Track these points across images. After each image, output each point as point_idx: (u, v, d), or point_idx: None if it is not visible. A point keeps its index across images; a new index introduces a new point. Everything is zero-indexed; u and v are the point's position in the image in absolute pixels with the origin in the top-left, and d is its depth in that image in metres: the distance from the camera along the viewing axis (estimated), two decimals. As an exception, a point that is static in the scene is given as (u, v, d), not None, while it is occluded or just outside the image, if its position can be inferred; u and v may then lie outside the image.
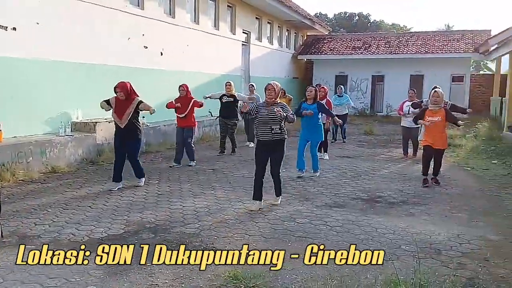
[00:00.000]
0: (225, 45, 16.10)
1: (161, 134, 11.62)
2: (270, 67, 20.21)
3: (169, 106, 9.33)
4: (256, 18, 19.09)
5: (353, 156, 10.81)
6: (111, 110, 7.18)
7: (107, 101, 7.20)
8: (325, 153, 10.36)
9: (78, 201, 6.33)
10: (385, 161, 10.21)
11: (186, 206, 6.14)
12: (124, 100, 7.07)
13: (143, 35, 11.63)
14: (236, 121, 10.97)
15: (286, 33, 23.22)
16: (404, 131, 10.87)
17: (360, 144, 13.07)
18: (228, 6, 16.38)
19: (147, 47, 11.80)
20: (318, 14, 53.30)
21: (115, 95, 7.10)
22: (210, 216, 5.67)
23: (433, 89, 7.97)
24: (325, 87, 10.79)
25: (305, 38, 26.25)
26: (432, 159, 7.82)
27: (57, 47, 9.09)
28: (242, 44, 17.81)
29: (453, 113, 8.04)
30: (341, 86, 14.03)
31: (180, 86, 9.38)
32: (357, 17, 57.82)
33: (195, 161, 9.41)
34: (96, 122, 9.39)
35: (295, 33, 24.51)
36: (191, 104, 9.16)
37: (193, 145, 9.43)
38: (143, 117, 11.08)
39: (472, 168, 9.31)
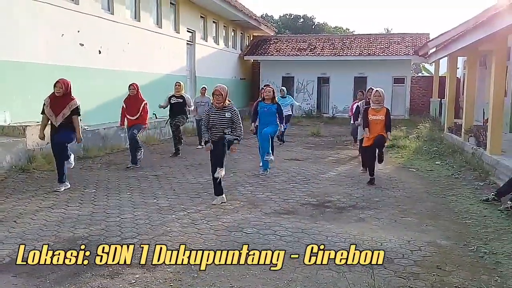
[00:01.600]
0: (169, 44, 15.54)
1: (101, 137, 10.94)
2: (216, 67, 19.82)
3: (122, 115, 9.25)
4: (201, 16, 18.63)
5: (301, 159, 10.66)
6: (47, 107, 6.83)
7: (43, 110, 6.97)
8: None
9: (2, 213, 5.67)
10: (333, 163, 10.13)
11: (125, 218, 5.66)
12: (61, 97, 6.82)
13: (79, 31, 10.90)
14: (185, 117, 10.65)
15: (232, 33, 22.91)
16: (353, 129, 11.15)
17: (307, 146, 12.98)
18: (171, 3, 15.82)
19: (83, 45, 11.07)
20: (264, 15, 53.44)
21: (53, 90, 6.85)
22: (150, 229, 5.23)
23: (369, 89, 8.21)
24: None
25: (251, 38, 26.07)
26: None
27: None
28: (187, 44, 17.31)
29: None
30: (283, 88, 13.86)
31: (130, 85, 9.16)
32: (302, 19, 58.53)
33: (141, 152, 9.10)
34: (27, 126, 8.62)
35: (241, 33, 24.26)
36: (142, 107, 8.98)
37: (137, 138, 9.01)
38: (80, 119, 10.41)
39: (417, 169, 9.41)
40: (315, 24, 58.20)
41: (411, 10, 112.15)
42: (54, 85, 6.81)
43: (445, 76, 19.38)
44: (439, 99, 19.95)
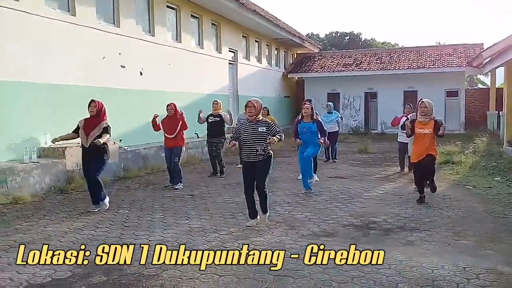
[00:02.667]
0: (210, 64, 15.52)
1: (141, 158, 10.90)
2: (259, 86, 19.63)
3: (156, 128, 9.04)
4: (243, 36, 18.59)
5: (345, 176, 10.09)
6: (80, 129, 6.82)
7: (75, 130, 6.96)
8: (314, 174, 9.61)
9: (32, 235, 5.55)
10: (380, 181, 9.49)
11: (153, 239, 5.38)
12: (94, 117, 6.78)
13: (120, 54, 11.01)
14: (223, 140, 10.34)
15: (275, 51, 22.74)
16: (401, 146, 10.38)
17: (353, 163, 12.37)
18: (212, 24, 15.87)
19: (124, 67, 11.17)
20: (309, 34, 53.26)
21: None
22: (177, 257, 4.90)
23: (419, 100, 7.48)
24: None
25: (295, 56, 25.81)
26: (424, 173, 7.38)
27: (20, 67, 8.43)
28: (229, 63, 17.25)
29: None
30: (330, 103, 13.35)
31: (168, 105, 9.08)
32: (348, 36, 57.83)
33: (182, 184, 8.86)
34: (66, 147, 8.65)
35: (284, 51, 24.06)
36: (179, 125, 8.84)
37: (179, 166, 8.91)
38: (120, 140, 10.45)
39: (473, 187, 8.60)
40: (362, 40, 57.34)
41: (463, 20, 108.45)
42: (88, 105, 6.79)
43: (502, 88, 18.19)
44: (497, 112, 18.70)
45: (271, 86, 21.70)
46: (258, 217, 6.03)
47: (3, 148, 8.14)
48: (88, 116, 6.84)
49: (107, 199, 6.96)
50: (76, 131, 6.87)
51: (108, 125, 6.78)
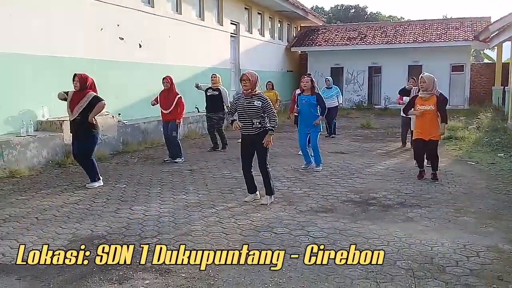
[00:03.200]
0: (212, 37, 15.22)
1: (141, 132, 10.79)
2: (262, 59, 19.32)
3: (153, 103, 8.95)
4: (245, 8, 18.19)
5: (347, 152, 9.98)
6: (68, 102, 6.58)
7: (66, 93, 6.66)
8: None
9: (27, 209, 5.50)
10: (381, 157, 9.38)
11: (149, 214, 5.32)
12: (78, 91, 6.49)
13: (118, 25, 10.77)
14: (222, 115, 10.17)
15: (278, 24, 22.30)
16: (403, 121, 10.18)
17: (355, 139, 12.23)
18: (213, -5, 15.51)
19: (123, 39, 10.94)
20: (314, 8, 52.34)
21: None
22: (173, 227, 4.85)
23: (420, 75, 7.26)
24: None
25: (298, 29, 25.35)
26: (425, 153, 7.25)
27: (17, 39, 8.24)
28: (231, 36, 16.93)
29: None
30: (329, 77, 13.04)
31: (163, 78, 8.84)
32: (353, 10, 56.82)
33: (181, 158, 8.79)
34: (64, 121, 8.51)
35: (288, 24, 23.60)
36: (175, 102, 8.64)
37: (178, 140, 8.82)
38: (119, 114, 10.32)
39: (476, 163, 8.48)
40: (368, 14, 56.34)
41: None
42: (72, 79, 6.50)
43: (508, 63, 17.85)
44: (502, 87, 18.40)
45: (274, 60, 21.37)
46: (258, 192, 5.93)
47: (0, 121, 8.03)
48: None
49: (98, 183, 6.67)
50: (67, 94, 6.58)
51: (96, 95, 6.49)
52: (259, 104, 5.60)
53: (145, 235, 4.61)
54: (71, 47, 9.44)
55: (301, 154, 8.34)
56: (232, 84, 16.48)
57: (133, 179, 7.28)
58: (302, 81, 7.94)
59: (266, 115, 5.65)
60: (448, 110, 7.32)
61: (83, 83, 6.45)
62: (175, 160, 8.70)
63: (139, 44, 11.58)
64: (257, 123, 5.62)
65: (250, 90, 5.60)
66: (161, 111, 8.82)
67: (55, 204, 5.77)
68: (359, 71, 22.86)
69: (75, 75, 6.50)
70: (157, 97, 8.83)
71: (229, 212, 5.42)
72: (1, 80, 7.95)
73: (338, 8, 57.47)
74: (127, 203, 5.80)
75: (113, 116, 9.86)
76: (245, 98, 5.68)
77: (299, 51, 24.25)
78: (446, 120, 7.02)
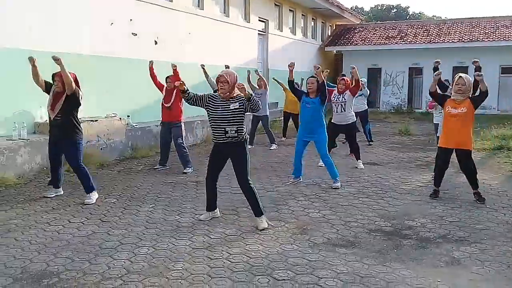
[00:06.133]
0: (237, 35, 14.23)
1: (152, 136, 9.89)
2: (292, 59, 17.73)
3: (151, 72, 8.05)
4: (276, 5, 17.12)
5: (380, 163, 8.73)
6: (48, 101, 5.67)
7: (50, 85, 5.71)
8: (359, 160, 8.28)
9: (-11, 231, 4.65)
10: (421, 169, 8.10)
11: (126, 242, 4.32)
12: (61, 92, 5.61)
13: (131, 20, 9.93)
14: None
15: (312, 22, 21.09)
16: (437, 128, 8.89)
17: (391, 147, 10.93)
18: (240, -10, 14.52)
19: (136, 34, 10.10)
20: (353, 8, 50.66)
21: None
22: (148, 263, 3.83)
23: (457, 75, 5.96)
24: (346, 79, 8.57)
25: (334, 28, 24.03)
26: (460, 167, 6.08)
27: (13, 32, 7.50)
28: (259, 34, 15.90)
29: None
30: (364, 79, 11.75)
31: (167, 77, 7.89)
32: (395, 10, 54.77)
33: (190, 168, 7.82)
34: (63, 123, 7.73)
35: (322, 22, 22.34)
36: (175, 92, 7.62)
37: (185, 148, 7.88)
38: (128, 116, 9.48)
39: (537, 181, 7.09)
40: (410, 14, 54.18)
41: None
42: (52, 79, 5.62)
43: None
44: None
45: (306, 59, 20.16)
46: (217, 210, 5.15)
47: (-9, 123, 7.32)
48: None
49: (94, 194, 5.82)
50: (48, 87, 5.71)
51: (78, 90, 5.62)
52: (235, 106, 4.62)
53: (110, 273, 3.62)
54: (76, 43, 8.65)
55: (321, 165, 7.21)
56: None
57: (127, 192, 6.34)
58: (307, 82, 6.77)
59: (249, 107, 4.65)
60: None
61: (63, 82, 5.55)
62: (184, 171, 7.74)
63: (155, 41, 10.73)
64: (232, 132, 4.64)
65: (228, 94, 4.63)
66: (162, 106, 7.89)
67: (23, 223, 4.88)
68: (399, 72, 21.35)
69: (54, 74, 5.61)
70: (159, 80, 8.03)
71: (224, 241, 4.37)
72: (-7, 77, 7.23)
73: (379, 8, 55.55)
74: (106, 225, 4.85)
75: (120, 119, 9.02)
76: (220, 102, 4.68)
77: (334, 51, 22.97)
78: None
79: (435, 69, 6.74)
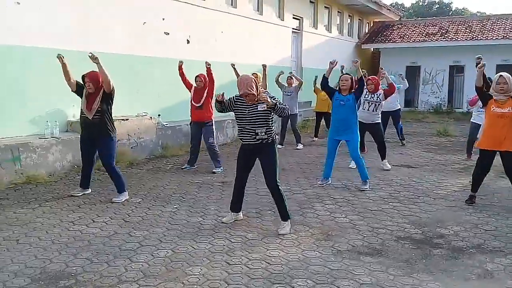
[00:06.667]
0: (270, 32, 14.08)
1: (183, 135, 9.91)
2: (327, 57, 17.70)
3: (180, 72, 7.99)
4: (311, 2, 16.85)
5: (415, 165, 8.40)
6: (82, 102, 5.72)
7: (82, 86, 5.73)
8: (385, 160, 8.04)
9: (15, 227, 4.71)
10: (458, 173, 7.72)
11: (146, 244, 4.29)
12: (94, 93, 5.66)
13: (164, 19, 9.98)
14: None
15: (348, 19, 20.65)
16: (473, 129, 8.60)
17: (427, 148, 10.52)
18: (274, -13, 14.36)
19: (168, 34, 10.14)
20: (393, 4, 49.45)
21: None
22: (166, 266, 3.77)
23: (498, 75, 5.59)
24: (373, 78, 8.32)
25: (371, 25, 23.46)
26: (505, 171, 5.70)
27: (47, 32, 7.66)
28: (293, 32, 15.70)
29: None
30: (401, 73, 11.37)
31: (196, 76, 7.86)
32: (437, 6, 53.08)
33: (220, 168, 7.79)
34: (94, 122, 7.84)
35: (359, 19, 21.85)
36: (206, 91, 7.64)
37: (216, 147, 7.85)
38: (159, 115, 9.53)
39: None
40: (453, 10, 52.36)
41: None
42: (83, 80, 5.66)
43: None
44: None
45: (341, 58, 19.56)
46: (240, 213, 5.08)
47: (26, 121, 7.47)
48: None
49: (125, 195, 5.84)
50: (79, 89, 5.76)
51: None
52: (263, 107, 4.47)
53: (126, 276, 3.59)
54: (108, 42, 8.74)
55: (353, 167, 6.99)
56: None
57: (153, 191, 6.34)
58: (341, 79, 6.54)
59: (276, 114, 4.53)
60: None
61: (96, 83, 5.62)
62: (214, 170, 7.70)
63: (187, 40, 10.74)
64: (262, 134, 4.55)
65: (255, 100, 4.52)
66: (191, 106, 7.88)
67: (49, 222, 4.93)
68: (439, 70, 20.60)
69: (84, 76, 5.65)
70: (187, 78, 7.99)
71: (245, 245, 4.26)
72: (28, 76, 7.39)
73: (420, 4, 54.01)
74: (129, 226, 4.84)
75: (151, 117, 9.08)
76: (248, 104, 4.58)
77: (371, 48, 22.44)
78: None
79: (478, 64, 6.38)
